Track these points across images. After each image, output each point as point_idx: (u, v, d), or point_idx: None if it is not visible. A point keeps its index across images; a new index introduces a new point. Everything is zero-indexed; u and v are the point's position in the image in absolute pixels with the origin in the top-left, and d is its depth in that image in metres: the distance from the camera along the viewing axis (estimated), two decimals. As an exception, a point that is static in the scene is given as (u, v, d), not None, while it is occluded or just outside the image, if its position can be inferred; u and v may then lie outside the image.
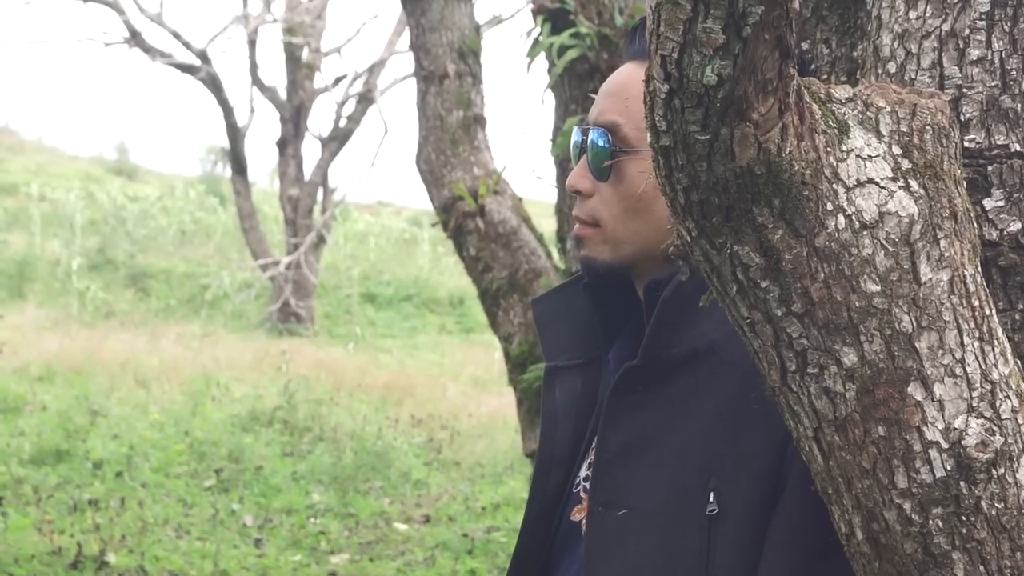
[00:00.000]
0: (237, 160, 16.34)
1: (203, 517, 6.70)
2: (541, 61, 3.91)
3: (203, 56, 15.71)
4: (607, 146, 1.45)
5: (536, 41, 3.76)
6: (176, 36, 15.63)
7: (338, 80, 16.49)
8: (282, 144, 16.52)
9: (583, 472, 1.49)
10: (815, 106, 1.18)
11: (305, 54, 16.06)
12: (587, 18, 3.74)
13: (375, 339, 15.61)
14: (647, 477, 1.35)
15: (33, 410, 8.83)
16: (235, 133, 16.14)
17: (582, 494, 1.47)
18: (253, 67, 16.31)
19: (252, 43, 16.09)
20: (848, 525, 1.20)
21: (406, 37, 16.96)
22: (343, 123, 16.38)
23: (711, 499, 1.30)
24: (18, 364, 10.31)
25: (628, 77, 1.48)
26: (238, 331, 14.69)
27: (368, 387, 10.74)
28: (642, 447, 1.37)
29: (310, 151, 20.32)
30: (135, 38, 15.62)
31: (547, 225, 4.44)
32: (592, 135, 1.48)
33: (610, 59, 3.74)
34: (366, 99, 16.21)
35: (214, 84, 15.81)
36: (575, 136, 1.52)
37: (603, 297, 1.50)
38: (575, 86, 3.77)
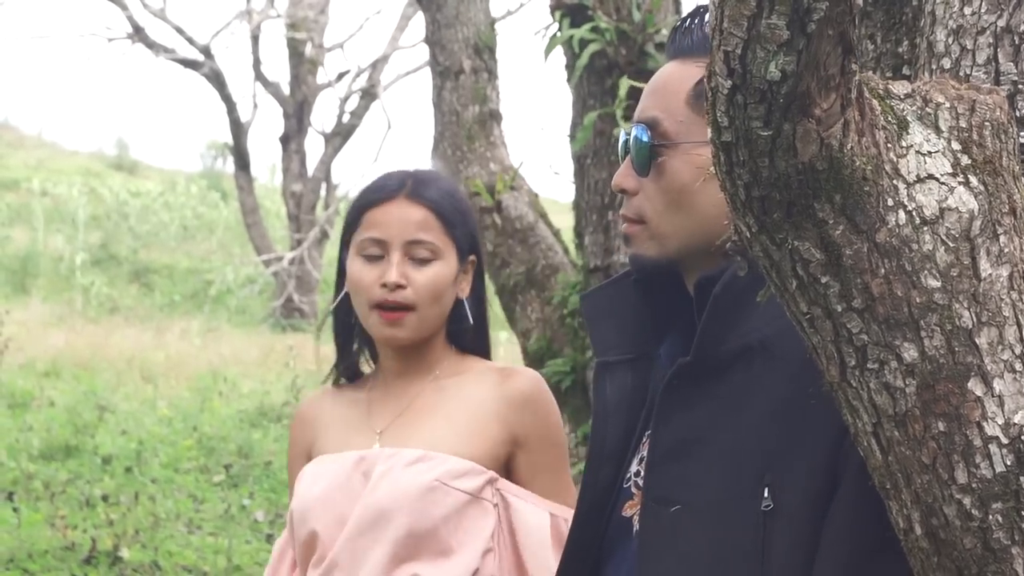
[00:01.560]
0: (240, 156, 16.34)
1: (214, 512, 6.71)
2: (557, 56, 3.92)
3: (206, 51, 15.71)
4: (648, 141, 1.46)
5: (554, 36, 3.76)
6: (179, 31, 15.64)
7: (341, 76, 16.50)
8: (285, 140, 16.51)
9: (634, 467, 1.49)
10: (875, 102, 1.18)
11: (308, 49, 16.05)
12: (605, 13, 3.74)
13: (379, 334, 15.59)
14: (700, 473, 1.36)
15: (40, 406, 8.84)
16: (238, 129, 16.14)
17: (633, 489, 1.48)
18: (256, 62, 16.30)
19: (255, 38, 16.08)
20: (906, 520, 1.21)
21: (409, 33, 16.95)
22: (346, 119, 16.38)
23: (765, 494, 1.30)
24: (24, 360, 10.31)
25: (668, 75, 1.50)
26: (242, 326, 14.69)
27: (374, 382, 10.72)
28: (695, 443, 1.37)
29: (313, 147, 20.37)
30: (138, 33, 15.62)
31: (561, 222, 4.44)
32: (634, 131, 1.49)
33: (628, 54, 3.75)
34: (369, 95, 16.21)
35: (217, 80, 15.80)
36: (621, 136, 1.53)
37: (653, 292, 1.51)
38: (594, 81, 3.78)
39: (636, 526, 1.45)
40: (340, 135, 16.39)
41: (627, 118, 3.67)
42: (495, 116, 4.26)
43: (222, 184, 28.14)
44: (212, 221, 22.50)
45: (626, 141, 1.50)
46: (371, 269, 2.03)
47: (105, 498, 6.56)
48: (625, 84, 3.65)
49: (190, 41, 15.69)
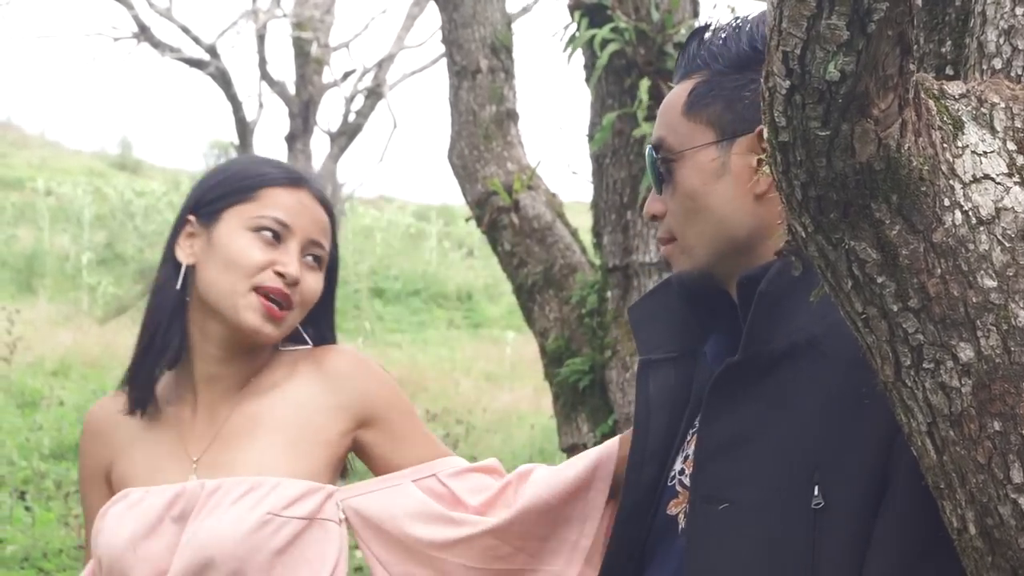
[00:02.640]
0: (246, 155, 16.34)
1: (225, 511, 6.70)
2: (575, 56, 3.92)
3: (212, 51, 15.73)
4: (655, 158, 1.52)
5: (574, 37, 3.76)
6: (185, 31, 15.66)
7: (347, 75, 16.52)
8: (291, 139, 16.53)
9: (678, 465, 1.50)
10: (930, 102, 1.18)
11: (314, 49, 16.06)
12: (624, 13, 3.74)
13: (384, 334, 15.60)
14: (749, 471, 1.36)
15: (50, 405, 8.84)
16: (244, 128, 16.16)
17: (678, 487, 1.48)
18: (262, 62, 16.32)
19: (261, 38, 16.11)
20: (960, 520, 1.21)
21: (415, 32, 16.97)
22: (352, 118, 16.40)
23: (816, 492, 1.30)
24: (32, 359, 10.30)
25: (670, 96, 1.56)
26: (248, 326, 14.68)
27: (381, 382, 10.72)
28: (744, 441, 1.38)
29: (319, 146, 20.39)
30: (144, 33, 15.64)
31: (578, 222, 4.44)
32: (646, 155, 1.56)
33: (647, 54, 3.75)
34: (375, 94, 16.22)
35: (223, 79, 15.82)
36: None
37: (695, 296, 1.52)
38: (612, 81, 3.78)
39: (682, 524, 1.45)
40: (346, 134, 16.42)
41: (648, 119, 3.67)
42: (512, 116, 4.26)
43: (226, 183, 28.07)
44: (216, 220, 22.45)
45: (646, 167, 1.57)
46: (265, 250, 1.81)
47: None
48: (645, 85, 3.65)
49: (196, 40, 15.71)
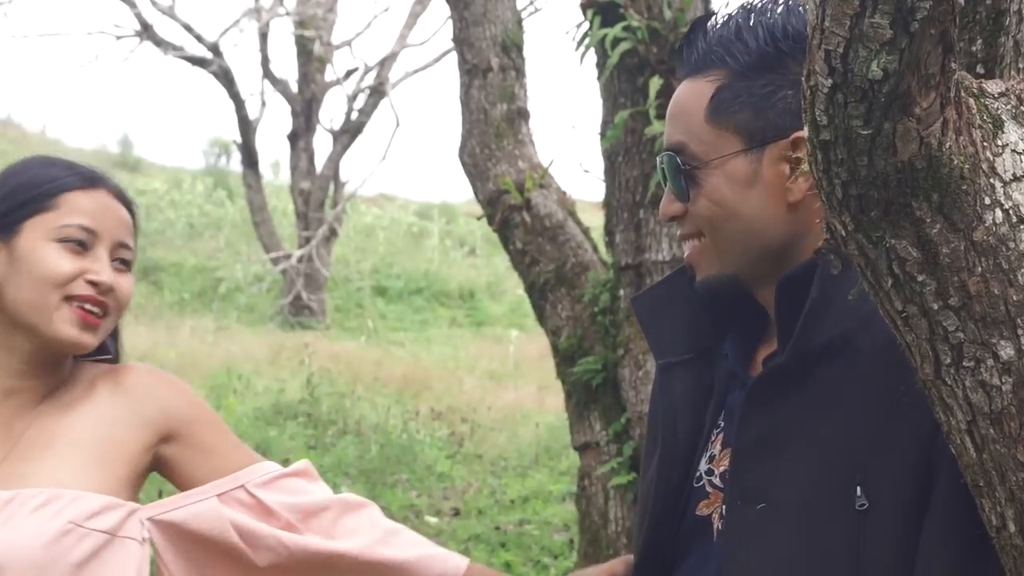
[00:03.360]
0: (249, 153, 16.34)
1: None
2: (587, 54, 3.92)
3: (215, 49, 15.72)
4: (681, 166, 1.48)
5: (587, 35, 3.76)
6: (188, 29, 15.64)
7: (349, 73, 16.51)
8: (293, 137, 16.53)
9: (703, 466, 1.50)
10: (970, 100, 1.18)
11: (317, 47, 16.05)
12: (636, 12, 3.74)
13: (387, 332, 15.62)
14: (788, 471, 1.36)
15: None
16: (246, 126, 16.14)
17: (708, 488, 1.48)
18: (265, 60, 16.31)
19: (264, 36, 16.10)
20: (1000, 518, 1.21)
21: (417, 31, 16.97)
22: (354, 116, 16.39)
23: (859, 493, 1.30)
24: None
25: (684, 96, 1.51)
26: (251, 324, 14.71)
27: (385, 380, 10.75)
28: (782, 441, 1.37)
29: (321, 144, 20.42)
30: (147, 31, 15.63)
31: (587, 220, 4.44)
32: (665, 160, 1.50)
33: (659, 52, 3.75)
34: (377, 92, 16.21)
35: (226, 77, 15.80)
36: (658, 164, 1.55)
37: (717, 298, 1.52)
38: (625, 80, 3.78)
39: (717, 524, 1.45)
40: (348, 133, 16.40)
41: (659, 117, 3.67)
42: (523, 114, 4.27)
43: (228, 182, 28.14)
44: (219, 219, 22.49)
45: (662, 169, 1.51)
46: (73, 260, 1.73)
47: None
48: (656, 83, 3.65)
49: (199, 39, 15.70)
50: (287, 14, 15.98)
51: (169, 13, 15.63)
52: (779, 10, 1.45)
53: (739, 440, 1.42)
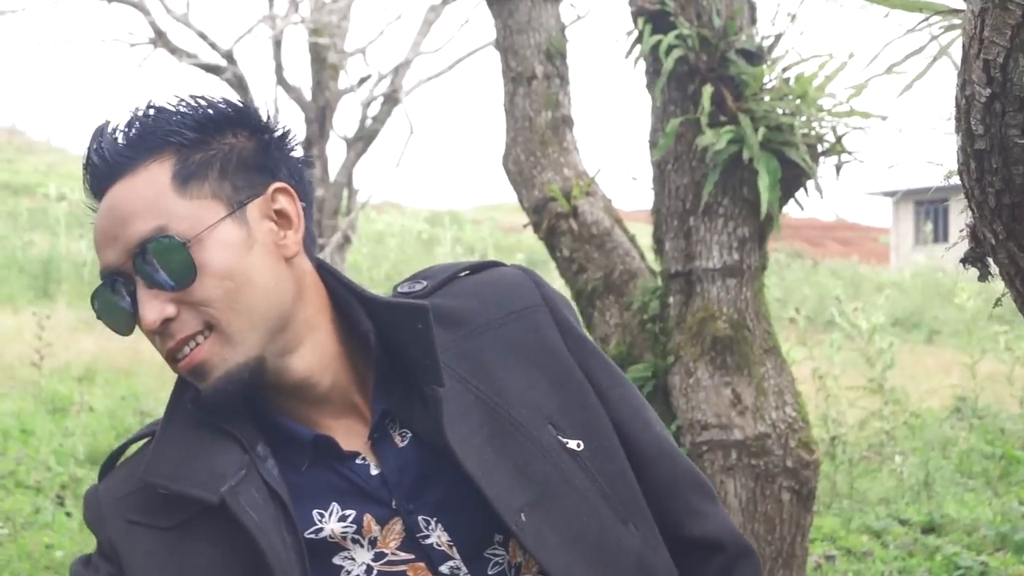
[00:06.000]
0: (262, 159, 16.34)
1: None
2: (622, 58, 3.93)
3: (229, 57, 15.74)
4: (176, 246, 1.36)
5: (639, 43, 3.77)
6: (202, 36, 15.67)
7: (363, 80, 16.51)
8: (307, 145, 16.51)
9: (364, 558, 1.39)
10: (1123, 110, 1.19)
11: (331, 55, 16.07)
12: (687, 19, 3.75)
13: (401, 339, 15.59)
14: (520, 459, 1.48)
15: (80, 411, 8.86)
16: (260, 133, 16.15)
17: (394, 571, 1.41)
18: (278, 68, 16.33)
19: (277, 43, 16.12)
20: None
21: (431, 38, 16.99)
22: (368, 124, 16.39)
23: (557, 436, 1.47)
24: (57, 365, 10.33)
25: (137, 187, 1.38)
26: (266, 331, 14.71)
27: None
28: (497, 438, 1.47)
29: (335, 152, 20.41)
30: (160, 39, 15.66)
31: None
32: (152, 250, 1.37)
33: (709, 60, 3.76)
34: (391, 100, 16.22)
35: (240, 85, 15.81)
36: (135, 266, 1.39)
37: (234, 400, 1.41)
38: (675, 87, 3.79)
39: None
40: (362, 140, 16.40)
41: (711, 125, 3.68)
42: (567, 121, 4.27)
43: (237, 189, 28.08)
44: (230, 226, 22.48)
45: (142, 268, 1.35)
46: None
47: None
48: (708, 91, 3.66)
49: (213, 46, 15.72)
50: (302, 21, 16.00)
51: (183, 21, 15.67)
52: (189, 99, 1.39)
53: (477, 465, 1.36)
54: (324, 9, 15.93)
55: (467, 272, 1.53)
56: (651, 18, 3.75)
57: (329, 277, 1.45)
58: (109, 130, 1.38)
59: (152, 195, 1.34)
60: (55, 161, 30.92)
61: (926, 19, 1.65)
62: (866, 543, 6.24)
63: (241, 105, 1.42)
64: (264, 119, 1.44)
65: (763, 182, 3.57)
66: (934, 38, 1.57)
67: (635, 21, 3.80)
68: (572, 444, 1.43)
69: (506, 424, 1.41)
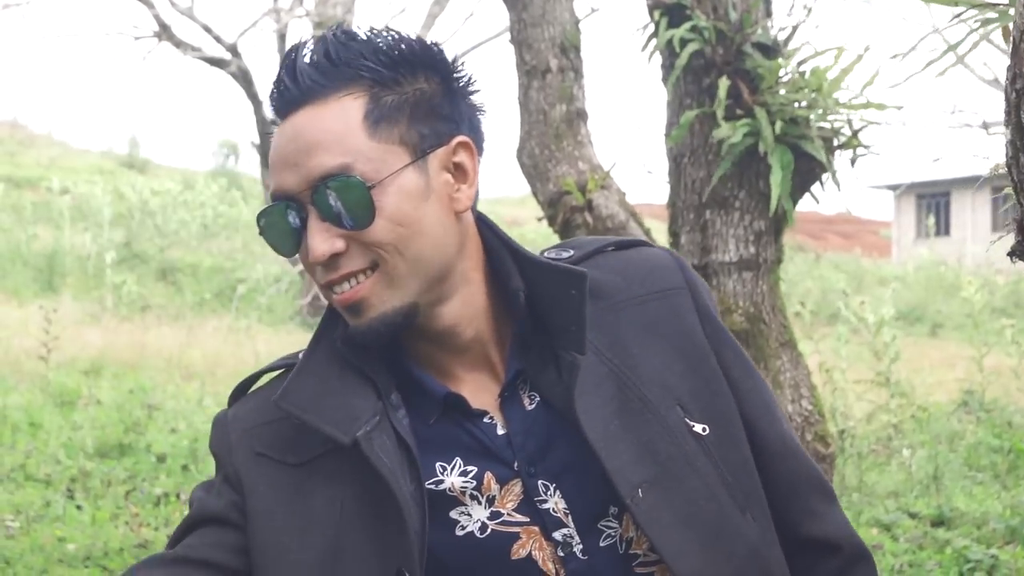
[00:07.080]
0: (266, 154, 16.36)
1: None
2: (638, 51, 3.93)
3: (234, 50, 15.75)
4: (359, 187, 1.35)
5: (655, 36, 3.77)
6: (207, 30, 15.67)
7: (367, 74, 16.49)
8: (311, 139, 16.53)
9: (480, 515, 1.40)
10: None
11: (335, 48, 16.05)
12: (703, 12, 3.75)
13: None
14: (646, 438, 1.45)
15: (87, 404, 8.87)
16: (265, 127, 16.16)
17: (507, 530, 1.41)
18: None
19: (282, 37, 16.11)
20: None
21: (435, 32, 16.97)
22: (372, 117, 16.39)
23: (687, 421, 1.45)
24: (63, 358, 10.34)
25: (326, 118, 1.35)
26: (271, 325, 14.73)
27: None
28: (627, 420, 1.46)
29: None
30: (165, 32, 15.65)
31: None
32: (333, 186, 1.35)
33: (725, 54, 3.76)
34: (395, 93, 16.21)
35: (244, 78, 15.83)
36: (319, 198, 1.37)
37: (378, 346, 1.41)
38: (691, 80, 3.79)
39: (542, 558, 1.37)
40: (366, 133, 16.40)
41: (727, 118, 3.68)
42: (582, 115, 4.28)
43: (240, 182, 28.17)
44: (233, 219, 22.54)
45: (320, 202, 1.33)
46: None
47: (166, 496, 6.58)
48: (725, 84, 3.66)
49: (217, 39, 15.72)
50: (306, 15, 15.99)
51: (188, 14, 15.66)
52: (383, 32, 1.38)
53: (601, 437, 1.36)
54: (328, 3, 15.91)
55: (613, 248, 1.53)
56: (667, 11, 3.76)
57: (487, 231, 1.45)
58: (303, 52, 1.36)
59: (341, 130, 1.33)
60: (57, 155, 30.93)
61: (959, 15, 1.65)
62: (876, 536, 6.24)
63: (432, 46, 1.39)
64: (452, 63, 1.41)
65: (775, 177, 3.57)
66: (972, 31, 1.58)
67: (651, 14, 3.80)
68: (698, 428, 1.41)
69: (635, 400, 1.39)
